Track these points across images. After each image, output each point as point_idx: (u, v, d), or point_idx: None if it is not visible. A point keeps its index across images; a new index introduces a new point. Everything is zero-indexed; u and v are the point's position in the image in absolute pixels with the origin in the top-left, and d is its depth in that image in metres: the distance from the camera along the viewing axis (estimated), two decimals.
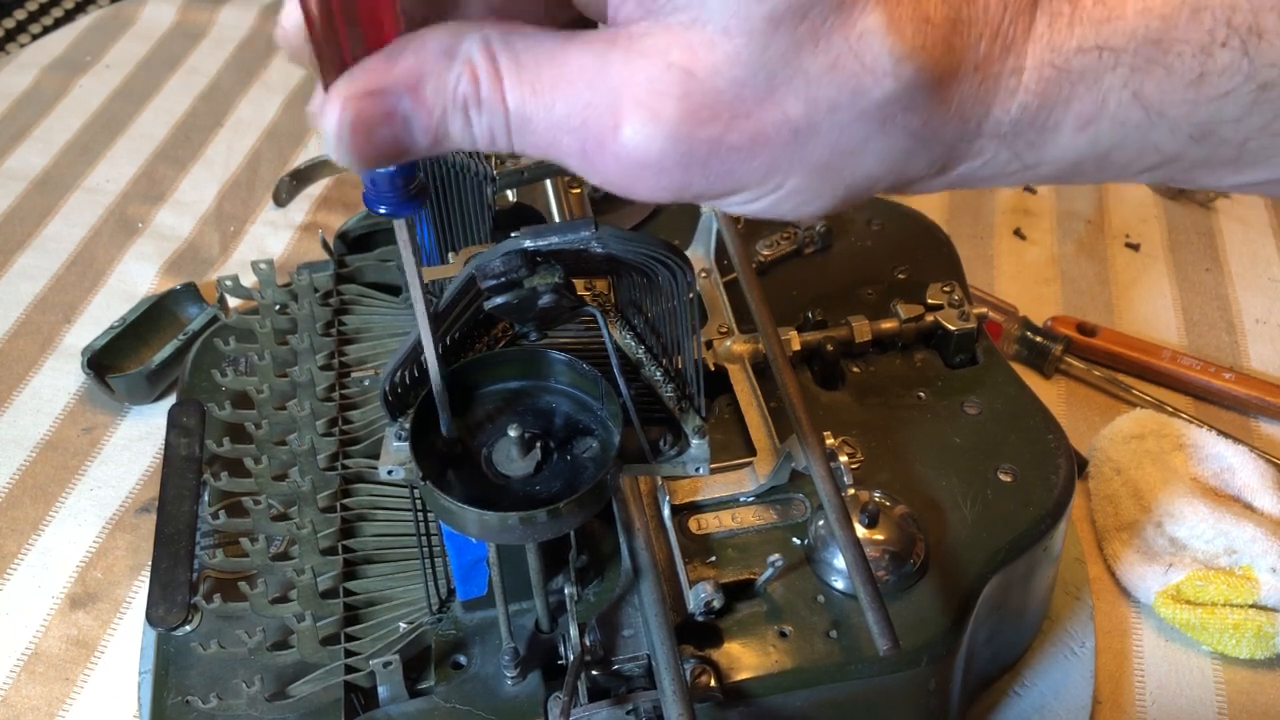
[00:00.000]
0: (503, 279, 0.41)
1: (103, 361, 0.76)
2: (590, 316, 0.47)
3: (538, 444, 0.43)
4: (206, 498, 0.61)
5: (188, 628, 0.55)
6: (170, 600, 0.56)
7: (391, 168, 0.32)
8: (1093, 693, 0.61)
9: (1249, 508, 0.67)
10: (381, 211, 0.34)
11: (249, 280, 0.71)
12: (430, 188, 0.61)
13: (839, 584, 0.53)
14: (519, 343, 0.48)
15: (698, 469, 0.45)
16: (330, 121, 0.29)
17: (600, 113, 0.28)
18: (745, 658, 0.51)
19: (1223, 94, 0.28)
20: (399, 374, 0.43)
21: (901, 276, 0.69)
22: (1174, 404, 0.75)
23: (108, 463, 0.74)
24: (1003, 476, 0.58)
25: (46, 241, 0.89)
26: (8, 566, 0.68)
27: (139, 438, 0.75)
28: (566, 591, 0.49)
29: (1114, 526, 0.68)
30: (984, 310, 0.65)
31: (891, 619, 0.46)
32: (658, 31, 0.28)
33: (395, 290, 0.71)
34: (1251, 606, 0.62)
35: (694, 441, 0.45)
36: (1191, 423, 0.73)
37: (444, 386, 0.42)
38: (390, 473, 0.44)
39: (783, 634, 0.52)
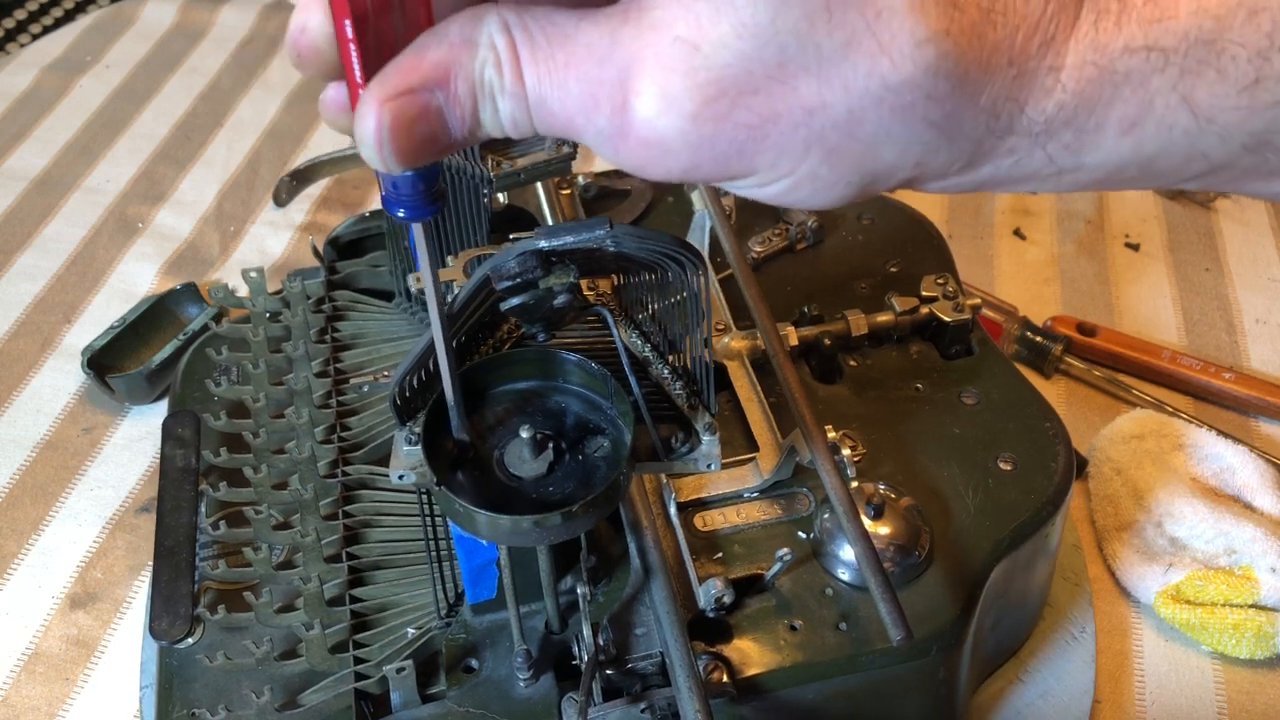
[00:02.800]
0: (518, 280, 0.41)
1: (103, 361, 0.76)
2: (595, 315, 0.47)
3: (550, 445, 0.43)
4: (203, 509, 0.61)
5: (190, 640, 0.55)
6: (173, 613, 0.55)
7: (413, 171, 0.32)
8: (1094, 676, 0.61)
9: (1249, 508, 0.67)
10: (400, 215, 0.33)
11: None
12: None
13: (846, 576, 0.53)
14: (524, 343, 0.48)
15: (709, 465, 0.45)
16: (369, 127, 0.29)
17: (611, 90, 0.28)
18: (757, 652, 0.51)
19: (1278, 101, 0.27)
20: (409, 378, 0.43)
21: (894, 270, 0.69)
22: (1174, 404, 0.75)
23: (108, 463, 0.74)
24: (1003, 465, 0.58)
25: (46, 241, 0.89)
26: (8, 566, 0.68)
27: (139, 438, 0.75)
28: (580, 591, 0.49)
29: (1114, 526, 0.68)
30: (977, 300, 0.65)
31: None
32: (667, 4, 0.27)
33: (387, 295, 0.71)
34: (1251, 606, 0.62)
35: (705, 438, 0.45)
36: (1191, 423, 0.73)
37: (458, 391, 0.42)
38: (401, 477, 0.44)
39: (793, 628, 0.52)
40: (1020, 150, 0.29)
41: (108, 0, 1.19)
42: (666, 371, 0.47)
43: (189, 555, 0.58)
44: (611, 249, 0.40)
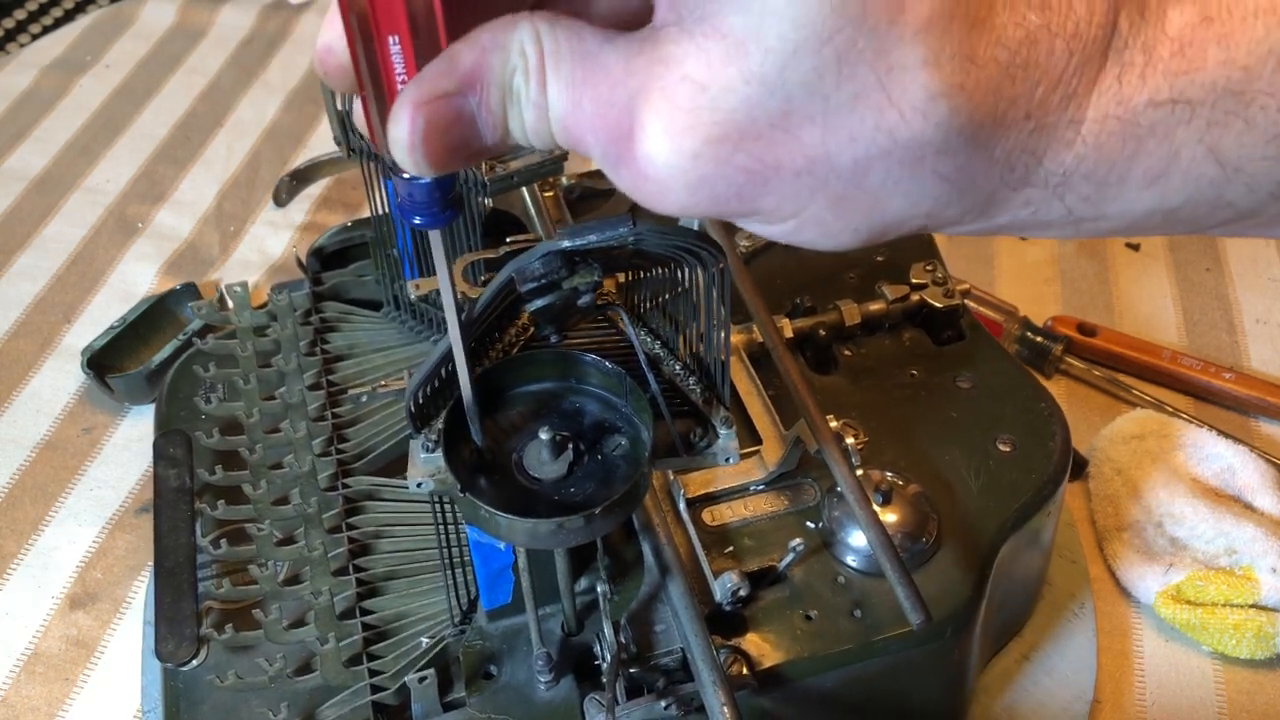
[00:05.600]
0: (543, 281, 0.41)
1: (103, 361, 0.76)
2: (603, 315, 0.46)
3: (569, 445, 0.43)
4: (199, 527, 0.60)
5: (195, 662, 0.55)
6: (179, 635, 0.55)
7: (429, 179, 0.32)
8: (1096, 651, 0.62)
9: (1249, 508, 0.67)
10: (416, 223, 0.33)
11: (249, 280, 0.71)
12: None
13: (856, 564, 0.54)
14: (533, 345, 0.48)
15: (728, 459, 0.45)
16: (402, 130, 0.29)
17: (618, 116, 0.28)
18: (774, 643, 0.51)
19: None
20: (423, 386, 0.43)
21: (880, 259, 0.70)
22: (1174, 404, 0.75)
23: (108, 463, 0.74)
24: (1002, 447, 0.59)
25: (46, 241, 0.89)
26: (8, 566, 0.68)
27: (139, 438, 0.75)
28: (600, 591, 0.49)
29: (1114, 526, 0.68)
30: (966, 285, 0.65)
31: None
32: (682, 40, 0.27)
33: (374, 305, 0.71)
34: (1251, 606, 0.62)
35: (722, 431, 0.45)
36: (1191, 423, 0.72)
37: (477, 395, 0.42)
38: (420, 485, 0.43)
39: (808, 617, 0.52)
40: (1036, 201, 0.28)
41: (108, 0, 1.19)
42: (678, 367, 0.47)
43: (190, 576, 0.58)
44: (633, 246, 0.40)
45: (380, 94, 0.30)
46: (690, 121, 0.27)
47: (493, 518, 0.41)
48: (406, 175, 0.32)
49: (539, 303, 0.42)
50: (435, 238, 0.36)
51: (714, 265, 0.41)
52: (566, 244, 0.40)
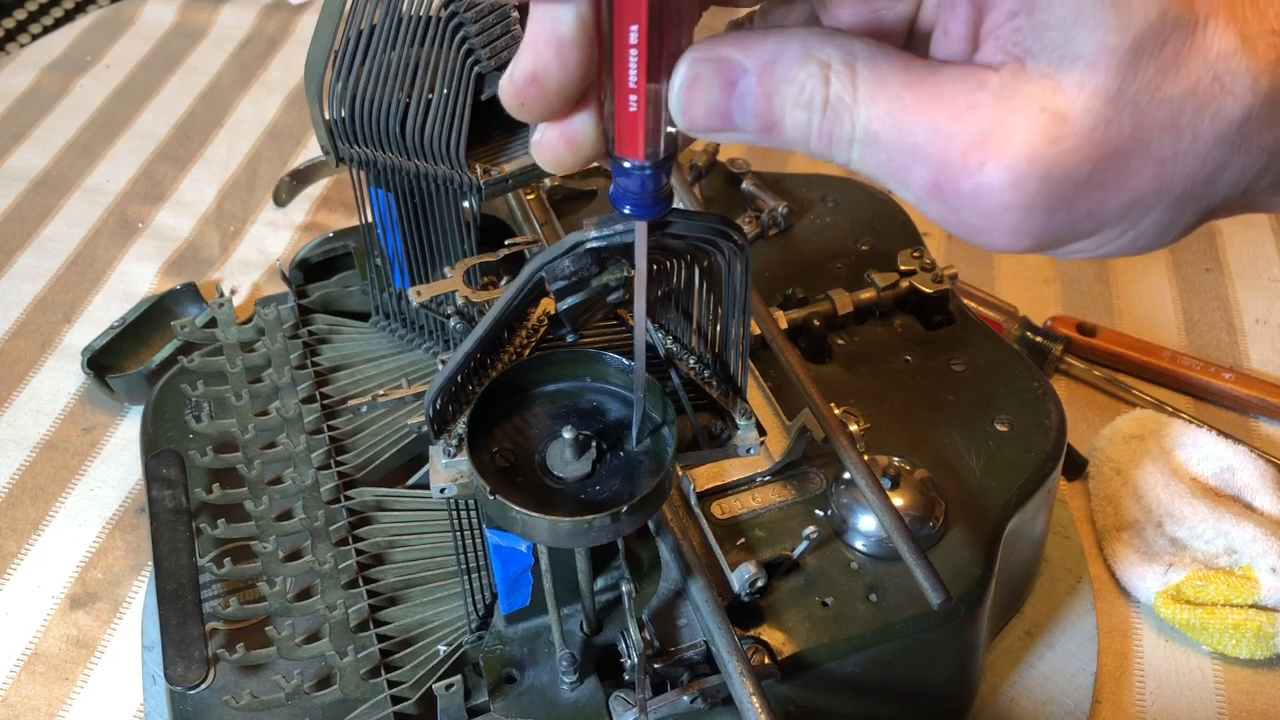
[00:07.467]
0: (573, 279, 0.40)
1: (103, 361, 0.76)
2: (613, 313, 0.46)
3: (591, 444, 0.43)
4: (198, 548, 0.60)
5: (204, 684, 0.54)
6: (188, 657, 0.55)
7: (647, 171, 0.32)
8: (1096, 622, 0.63)
9: (1249, 508, 0.67)
10: (626, 211, 0.33)
11: (249, 280, 0.71)
12: (412, 204, 0.61)
13: (867, 548, 0.54)
14: (545, 345, 0.47)
15: (749, 449, 0.45)
16: (677, 76, 0.30)
17: (965, 148, 0.28)
18: (794, 632, 0.51)
19: None
20: (442, 394, 0.43)
21: (865, 248, 0.70)
22: (1174, 404, 0.75)
23: (108, 463, 0.74)
24: (999, 427, 0.60)
25: (46, 241, 0.89)
26: (8, 566, 0.68)
27: (139, 438, 0.75)
28: (625, 590, 0.49)
29: (1114, 526, 0.68)
30: (954, 269, 0.66)
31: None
32: (1028, 74, 0.28)
33: (360, 315, 0.71)
34: (1251, 606, 0.62)
35: (741, 423, 0.45)
36: (1191, 423, 0.72)
37: (644, 394, 0.42)
38: (443, 491, 0.43)
39: (824, 604, 0.52)
40: None
41: (108, 0, 1.19)
42: (693, 361, 0.47)
43: (194, 597, 0.57)
44: (660, 237, 0.39)
45: (619, 80, 0.30)
46: (1056, 149, 0.27)
47: (522, 519, 0.40)
48: (627, 165, 0.32)
49: (570, 301, 0.41)
50: (641, 230, 0.35)
51: (736, 251, 0.41)
52: (593, 235, 0.38)
